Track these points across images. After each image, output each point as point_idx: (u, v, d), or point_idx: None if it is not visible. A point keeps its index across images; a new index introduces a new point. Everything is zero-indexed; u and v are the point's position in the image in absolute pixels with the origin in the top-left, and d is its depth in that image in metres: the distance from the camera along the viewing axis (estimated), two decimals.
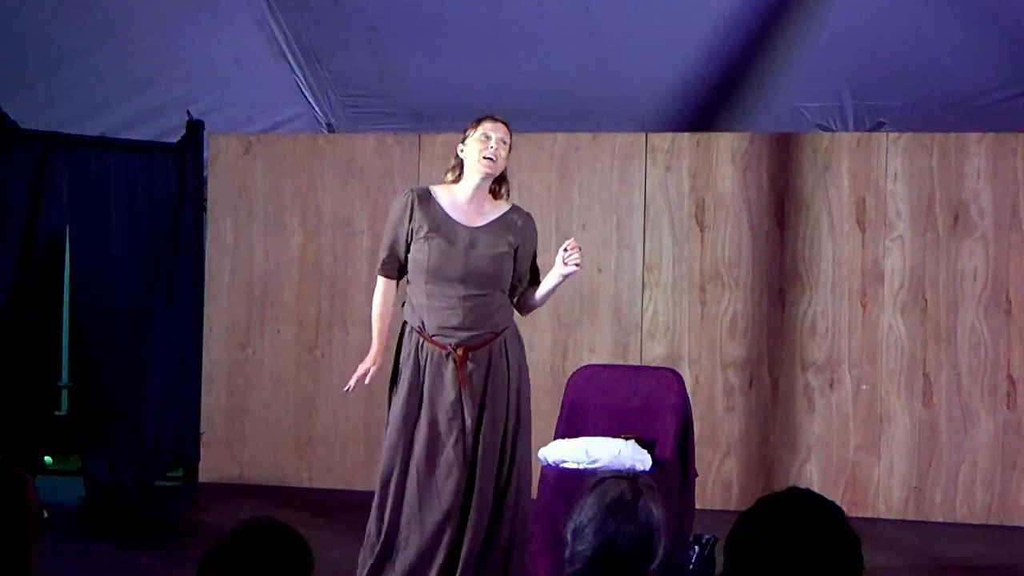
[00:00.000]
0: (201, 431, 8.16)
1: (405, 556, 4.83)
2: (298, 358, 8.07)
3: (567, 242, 4.90)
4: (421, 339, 4.86)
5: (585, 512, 2.89)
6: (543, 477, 5.74)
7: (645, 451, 5.72)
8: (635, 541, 2.86)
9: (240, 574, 2.41)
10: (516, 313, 5.08)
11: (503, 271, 4.91)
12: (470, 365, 4.83)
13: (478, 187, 4.91)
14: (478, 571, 4.85)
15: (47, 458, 8.33)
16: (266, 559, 2.43)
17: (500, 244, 4.90)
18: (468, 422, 4.83)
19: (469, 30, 7.62)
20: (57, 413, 8.60)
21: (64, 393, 8.76)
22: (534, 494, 5.77)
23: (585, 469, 5.58)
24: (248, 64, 8.06)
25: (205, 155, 8.24)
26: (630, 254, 7.68)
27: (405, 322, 4.95)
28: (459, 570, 4.81)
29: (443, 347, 4.83)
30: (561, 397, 6.25)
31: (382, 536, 4.86)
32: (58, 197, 7.73)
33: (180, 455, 8.19)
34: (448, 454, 4.82)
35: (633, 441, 5.75)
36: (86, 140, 7.87)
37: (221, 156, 8.24)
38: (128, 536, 6.74)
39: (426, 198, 4.93)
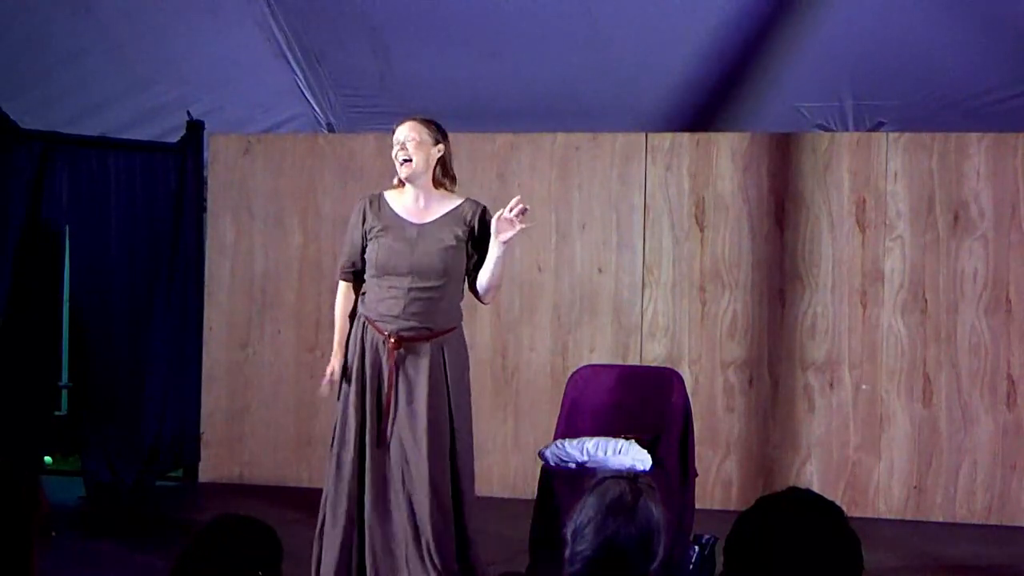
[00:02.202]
0: (201, 431, 8.16)
1: (334, 537, 4.98)
2: (298, 358, 8.07)
3: (513, 204, 4.97)
4: (367, 323, 5.06)
5: (585, 512, 2.89)
6: (543, 477, 5.74)
7: (645, 451, 5.72)
8: (635, 541, 2.86)
9: (212, 571, 2.44)
10: (481, 311, 5.21)
11: (451, 264, 5.04)
12: (402, 353, 4.98)
13: (416, 188, 5.10)
14: (425, 564, 4.93)
15: (47, 458, 8.33)
16: (235, 555, 2.46)
17: (448, 238, 5.04)
18: (393, 409, 4.97)
19: (469, 30, 7.62)
20: (57, 413, 8.60)
21: (64, 393, 8.76)
22: (533, 494, 5.79)
23: (585, 469, 5.59)
24: (248, 64, 8.06)
25: (205, 155, 8.24)
26: (630, 254, 7.68)
27: (357, 311, 5.16)
28: (392, 560, 4.94)
29: (380, 331, 5.02)
30: (561, 397, 6.25)
31: (339, 520, 4.99)
32: (58, 197, 7.72)
33: (180, 455, 8.19)
34: (370, 436, 4.99)
35: (633, 441, 5.75)
36: (86, 140, 7.86)
37: (221, 156, 8.24)
38: (128, 536, 6.74)
39: (377, 201, 5.17)
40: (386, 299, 5.02)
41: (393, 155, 5.10)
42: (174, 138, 8.16)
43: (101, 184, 7.90)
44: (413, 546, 4.92)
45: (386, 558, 4.95)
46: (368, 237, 5.10)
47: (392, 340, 4.97)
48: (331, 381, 5.16)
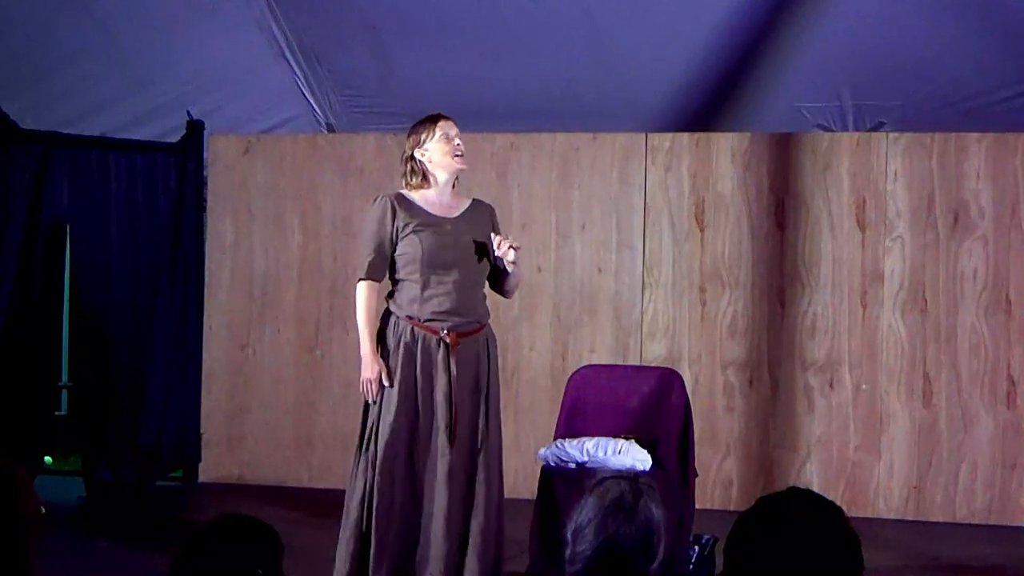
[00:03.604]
0: (202, 431, 8.16)
1: (394, 541, 4.95)
2: (298, 358, 8.07)
3: (498, 242, 5.01)
4: (411, 327, 4.98)
5: (585, 512, 2.89)
6: (543, 477, 5.74)
7: (645, 451, 5.72)
8: (635, 541, 2.86)
9: (213, 571, 2.45)
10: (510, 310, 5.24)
11: (484, 257, 5.09)
12: (461, 350, 4.98)
13: (446, 186, 5.11)
14: (460, 561, 4.96)
15: (47, 458, 8.33)
16: (236, 553, 2.47)
17: (478, 233, 5.09)
18: (455, 407, 4.96)
19: (469, 30, 7.62)
20: (57, 413, 8.60)
21: (64, 393, 8.75)
22: (533, 494, 5.79)
23: (585, 469, 5.59)
24: (248, 64, 8.06)
25: (205, 155, 8.24)
26: (630, 254, 7.68)
27: (390, 313, 5.05)
28: (441, 556, 4.94)
29: (435, 331, 4.97)
30: (561, 397, 6.25)
31: (366, 522, 4.98)
32: (58, 197, 7.73)
33: (181, 455, 8.18)
34: (441, 438, 4.95)
35: (633, 441, 5.75)
36: (86, 140, 7.86)
37: (221, 156, 8.24)
38: (128, 536, 6.74)
39: (403, 199, 5.09)
40: (436, 296, 4.98)
41: (443, 148, 5.05)
42: (174, 138, 8.16)
43: (101, 184, 7.90)
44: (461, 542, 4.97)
45: (447, 554, 4.95)
46: (401, 234, 5.01)
47: (452, 337, 4.95)
48: (379, 387, 4.99)
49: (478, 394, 5.03)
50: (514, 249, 5.00)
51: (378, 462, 4.96)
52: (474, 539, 4.97)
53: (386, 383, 4.96)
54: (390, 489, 4.95)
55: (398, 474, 4.95)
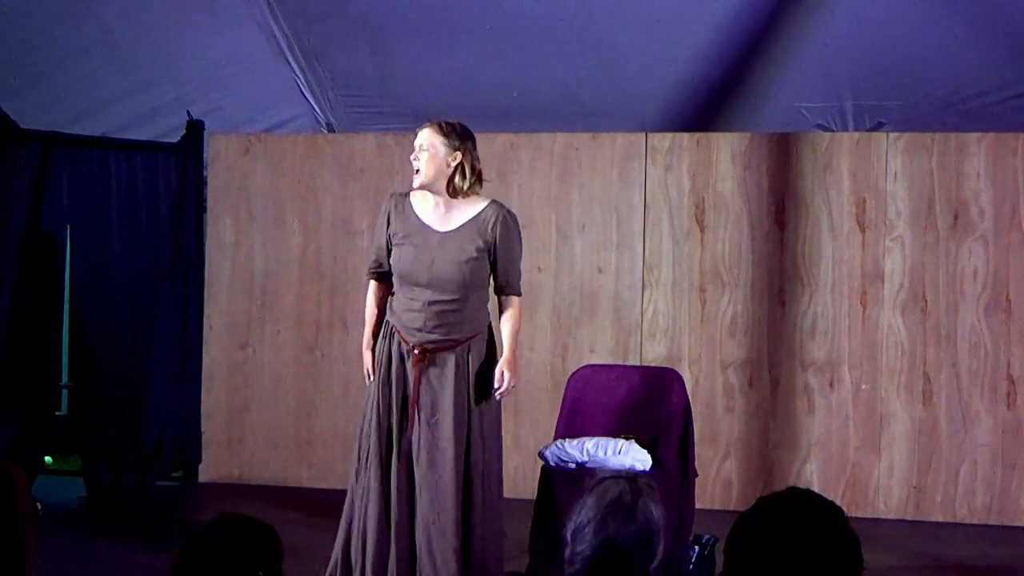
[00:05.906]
0: (201, 431, 8.16)
1: (368, 547, 4.96)
2: (298, 358, 8.07)
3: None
4: (394, 331, 5.03)
5: (585, 512, 2.89)
6: (543, 477, 5.75)
7: (645, 451, 5.73)
8: (635, 541, 2.86)
9: (213, 571, 2.45)
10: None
11: (471, 277, 4.96)
12: (426, 364, 4.93)
13: (435, 194, 5.00)
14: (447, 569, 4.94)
15: (47, 458, 8.33)
16: (236, 554, 2.47)
17: (469, 248, 4.95)
18: (420, 418, 4.93)
19: (469, 30, 7.62)
20: (57, 413, 8.60)
21: (64, 393, 8.75)
22: (533, 494, 5.79)
23: (585, 469, 5.59)
24: (248, 64, 8.06)
25: (205, 155, 8.24)
26: (630, 254, 7.68)
27: (386, 314, 5.12)
28: (418, 563, 4.94)
29: (406, 341, 4.98)
30: (561, 397, 6.25)
31: (350, 527, 5.03)
32: (58, 197, 7.72)
33: (181, 455, 8.18)
34: (403, 444, 4.95)
35: (633, 441, 5.76)
36: (86, 140, 7.86)
37: (221, 156, 8.24)
38: (128, 536, 6.74)
39: (402, 203, 5.06)
40: (408, 310, 4.97)
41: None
42: (174, 138, 8.16)
43: (101, 184, 7.90)
44: (427, 557, 4.92)
45: (409, 565, 4.95)
46: (392, 241, 5.03)
47: (417, 351, 4.93)
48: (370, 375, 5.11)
49: (456, 411, 4.92)
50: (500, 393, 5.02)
51: (359, 465, 5.05)
52: (442, 555, 4.91)
53: (371, 375, 5.06)
54: (365, 493, 4.99)
55: (372, 478, 4.97)
